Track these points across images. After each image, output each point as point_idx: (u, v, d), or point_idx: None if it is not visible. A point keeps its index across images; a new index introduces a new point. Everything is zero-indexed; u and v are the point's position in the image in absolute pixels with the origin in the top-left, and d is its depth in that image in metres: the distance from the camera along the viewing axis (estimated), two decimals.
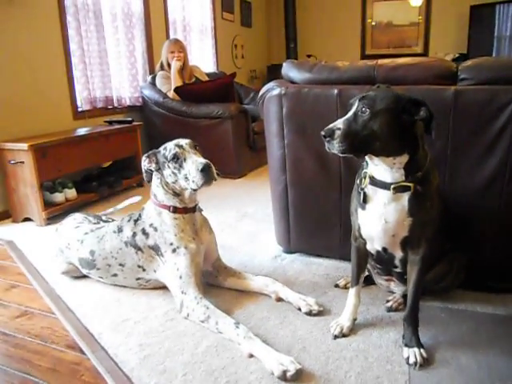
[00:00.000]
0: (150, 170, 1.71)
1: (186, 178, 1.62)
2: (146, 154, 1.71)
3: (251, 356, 1.39)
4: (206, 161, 1.63)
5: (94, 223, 2.02)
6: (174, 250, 1.67)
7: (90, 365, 1.41)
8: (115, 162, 3.57)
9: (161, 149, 1.69)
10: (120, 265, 1.80)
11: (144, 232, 1.73)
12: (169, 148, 1.66)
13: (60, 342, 1.54)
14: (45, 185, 2.86)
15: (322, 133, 1.24)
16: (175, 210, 1.70)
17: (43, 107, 3.18)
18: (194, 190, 1.65)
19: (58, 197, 2.88)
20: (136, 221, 1.77)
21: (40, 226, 2.75)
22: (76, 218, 2.08)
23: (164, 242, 1.69)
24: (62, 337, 1.58)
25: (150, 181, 1.74)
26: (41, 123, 3.14)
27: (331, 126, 1.24)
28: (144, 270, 1.77)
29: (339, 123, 1.24)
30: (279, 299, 1.72)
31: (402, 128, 1.24)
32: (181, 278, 1.64)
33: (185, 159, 1.64)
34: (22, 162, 2.67)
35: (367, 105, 1.23)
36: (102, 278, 1.89)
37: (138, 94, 4.05)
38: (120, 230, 1.80)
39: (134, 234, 1.75)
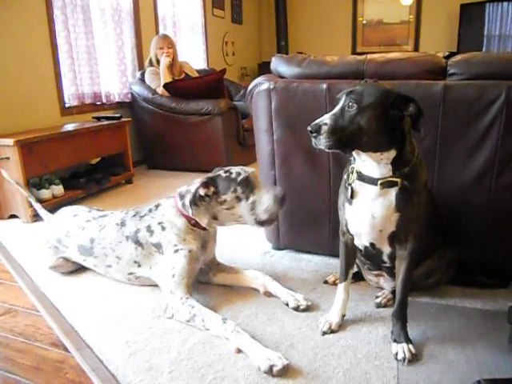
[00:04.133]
0: (206, 195, 1.63)
1: (253, 205, 1.60)
2: (202, 181, 1.61)
3: (239, 351, 1.38)
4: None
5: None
6: (176, 251, 1.65)
7: (75, 363, 1.39)
8: (103, 158, 3.53)
9: (221, 173, 1.64)
10: (117, 257, 1.78)
11: (149, 229, 1.70)
12: (236, 171, 1.62)
13: (44, 340, 1.51)
14: (31, 181, 2.81)
15: (309, 128, 1.22)
16: (196, 224, 1.67)
17: (30, 103, 3.13)
18: (257, 224, 1.63)
19: (45, 193, 2.83)
20: (142, 217, 1.75)
21: (26, 223, 2.70)
22: (70, 209, 2.06)
23: (168, 242, 1.66)
24: (46, 335, 1.55)
25: (195, 206, 1.63)
26: (27, 119, 3.09)
27: (318, 121, 1.22)
28: (140, 266, 1.74)
29: (326, 118, 1.22)
30: (267, 293, 1.71)
31: (389, 123, 1.22)
32: (173, 276, 1.61)
33: (255, 186, 1.61)
34: (8, 158, 2.62)
35: (354, 100, 1.21)
36: (96, 266, 1.87)
37: (127, 90, 4.01)
38: (123, 223, 1.78)
39: (138, 230, 1.72)
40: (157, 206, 1.75)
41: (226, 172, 1.63)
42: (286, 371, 1.28)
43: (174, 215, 1.69)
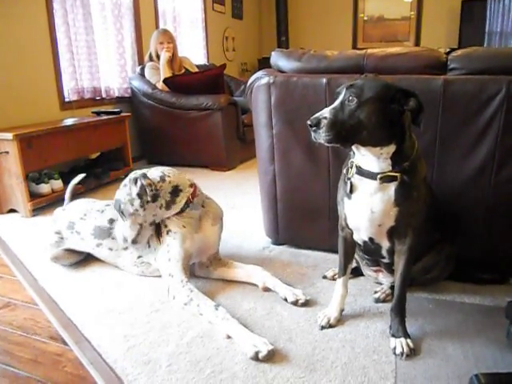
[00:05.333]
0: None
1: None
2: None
3: (229, 337, 1.42)
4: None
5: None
6: (167, 232, 1.69)
7: (73, 356, 1.39)
8: (103, 153, 3.53)
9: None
10: None
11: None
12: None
13: (42, 334, 1.52)
14: (30, 176, 2.81)
15: (308, 122, 1.22)
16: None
17: (29, 97, 3.12)
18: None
19: (44, 188, 2.83)
20: None
21: (25, 217, 2.70)
22: (86, 199, 2.10)
23: (164, 222, 1.71)
24: (44, 328, 1.55)
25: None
26: (27, 113, 3.09)
27: (317, 115, 1.22)
28: (149, 246, 1.78)
29: (325, 112, 1.22)
30: (266, 288, 1.71)
31: (389, 118, 1.22)
32: (169, 260, 1.66)
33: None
34: (7, 152, 2.61)
35: (354, 94, 1.20)
36: (111, 249, 1.88)
37: (126, 85, 4.00)
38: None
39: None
40: None
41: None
42: (271, 356, 1.32)
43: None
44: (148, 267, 1.84)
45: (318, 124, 1.20)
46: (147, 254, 1.80)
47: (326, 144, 1.24)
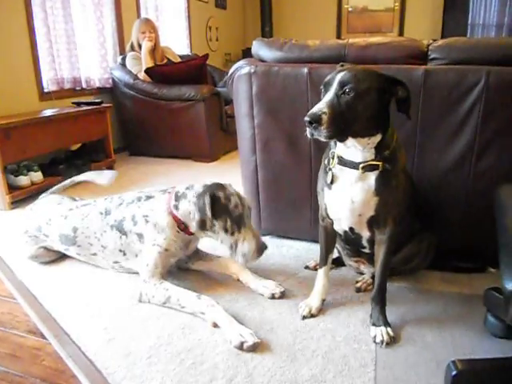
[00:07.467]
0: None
1: (235, 243, 1.56)
2: (211, 202, 1.52)
3: (215, 325, 1.42)
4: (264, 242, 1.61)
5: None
6: (153, 245, 1.62)
7: (52, 350, 1.37)
8: (84, 144, 3.47)
9: (221, 196, 1.54)
10: (102, 246, 1.75)
11: (133, 219, 1.65)
12: (234, 202, 1.55)
13: (20, 328, 1.49)
14: (9, 168, 2.75)
15: (307, 118, 1.13)
16: (184, 229, 1.62)
17: (6, 87, 3.05)
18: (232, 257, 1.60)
19: (23, 180, 2.78)
20: (129, 203, 1.69)
21: (4, 210, 2.65)
22: (53, 198, 2.02)
23: (148, 235, 1.63)
24: (22, 322, 1.52)
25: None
26: (4, 104, 3.01)
27: (315, 110, 1.14)
28: (125, 254, 1.72)
29: (323, 107, 1.15)
30: (239, 280, 1.71)
31: (381, 107, 1.22)
32: (147, 266, 1.61)
33: (244, 224, 1.57)
34: None
35: (350, 85, 1.16)
36: (79, 254, 1.85)
37: (107, 76, 3.93)
38: (107, 212, 1.73)
39: (123, 219, 1.67)
40: (148, 197, 1.68)
41: (225, 198, 1.55)
42: (256, 348, 1.32)
43: (162, 214, 1.61)
44: (128, 270, 1.79)
45: (319, 120, 1.13)
46: (123, 260, 1.75)
47: (325, 140, 1.18)
